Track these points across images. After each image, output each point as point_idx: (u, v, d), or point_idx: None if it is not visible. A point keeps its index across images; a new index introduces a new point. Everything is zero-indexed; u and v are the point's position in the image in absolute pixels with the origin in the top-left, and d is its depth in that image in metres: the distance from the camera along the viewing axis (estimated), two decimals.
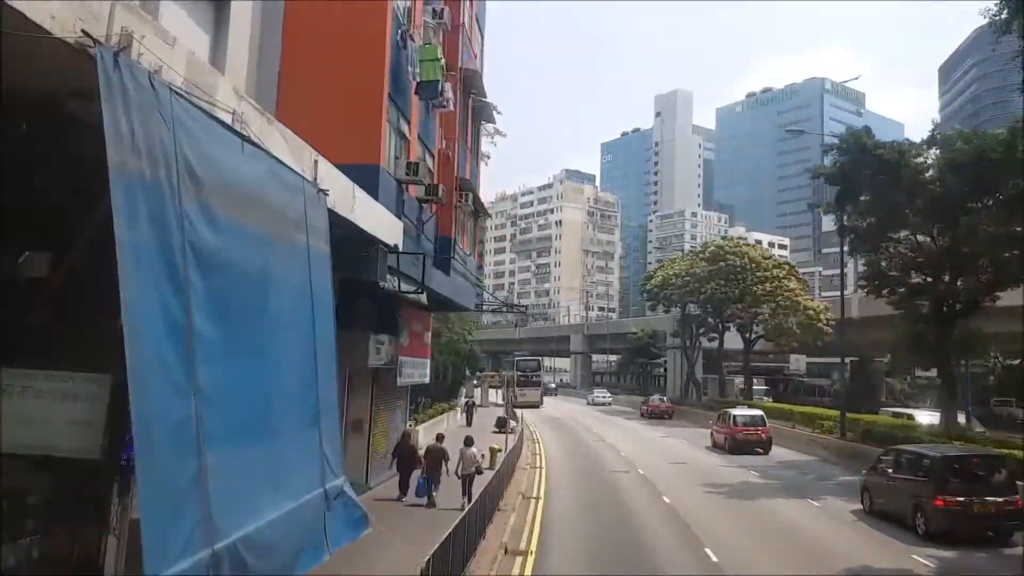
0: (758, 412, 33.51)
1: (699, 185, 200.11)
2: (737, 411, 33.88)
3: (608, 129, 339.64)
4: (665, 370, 74.70)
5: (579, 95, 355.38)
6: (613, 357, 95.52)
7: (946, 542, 14.76)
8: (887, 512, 17.24)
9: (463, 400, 41.96)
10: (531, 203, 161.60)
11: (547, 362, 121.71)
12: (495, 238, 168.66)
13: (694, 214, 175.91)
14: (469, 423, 37.95)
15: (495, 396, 59.21)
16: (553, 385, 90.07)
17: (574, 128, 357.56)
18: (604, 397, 68.85)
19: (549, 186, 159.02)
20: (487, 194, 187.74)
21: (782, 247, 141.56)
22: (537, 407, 59.75)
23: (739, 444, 30.59)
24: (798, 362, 62.01)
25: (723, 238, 49.15)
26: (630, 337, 74.54)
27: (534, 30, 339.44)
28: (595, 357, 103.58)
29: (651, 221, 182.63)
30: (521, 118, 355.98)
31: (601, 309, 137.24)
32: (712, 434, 33.95)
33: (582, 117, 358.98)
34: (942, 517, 15.22)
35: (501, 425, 32.55)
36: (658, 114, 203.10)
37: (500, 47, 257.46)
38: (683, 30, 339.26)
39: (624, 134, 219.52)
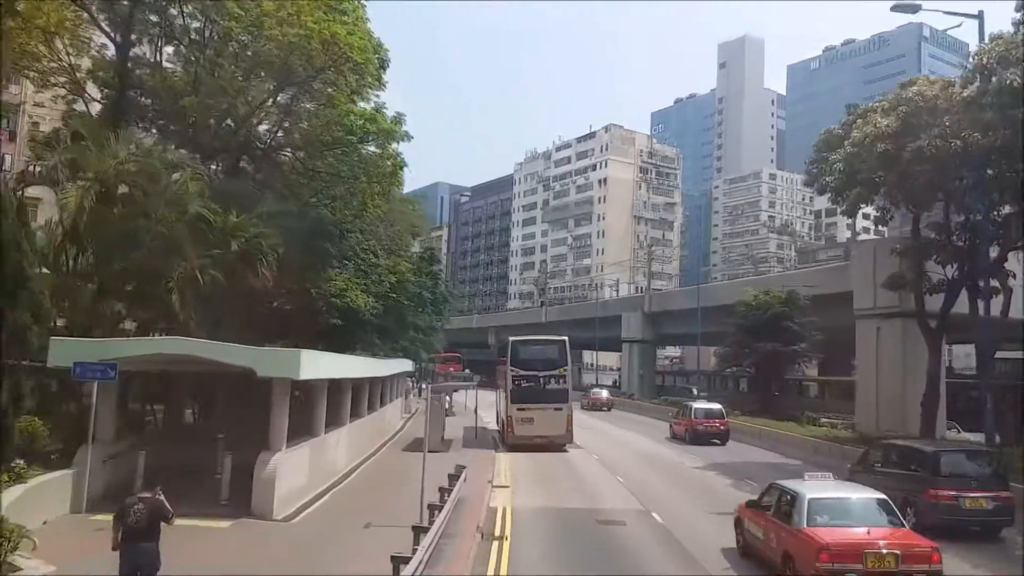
0: (716, 405, 33.98)
1: (772, 149, 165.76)
2: (696, 404, 34.59)
3: (659, 100, 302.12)
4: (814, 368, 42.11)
5: (628, 65, 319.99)
6: (676, 350, 62.46)
7: (934, 536, 12.87)
8: None
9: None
10: (568, 159, 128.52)
11: (585, 357, 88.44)
12: (523, 207, 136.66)
13: (772, 176, 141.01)
14: None
15: (479, 407, 27.26)
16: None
17: (621, 102, 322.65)
18: None
19: (591, 136, 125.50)
20: (518, 157, 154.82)
21: None
22: (563, 449, 27.27)
23: (699, 435, 31.70)
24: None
25: None
26: (739, 309, 40.93)
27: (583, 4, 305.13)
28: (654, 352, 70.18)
29: (716, 187, 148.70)
30: (561, 92, 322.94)
31: (657, 290, 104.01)
32: (672, 427, 35.29)
33: (630, 91, 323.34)
34: (932, 511, 15.04)
35: None
36: (722, 65, 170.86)
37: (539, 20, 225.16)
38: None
39: (678, 100, 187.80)
